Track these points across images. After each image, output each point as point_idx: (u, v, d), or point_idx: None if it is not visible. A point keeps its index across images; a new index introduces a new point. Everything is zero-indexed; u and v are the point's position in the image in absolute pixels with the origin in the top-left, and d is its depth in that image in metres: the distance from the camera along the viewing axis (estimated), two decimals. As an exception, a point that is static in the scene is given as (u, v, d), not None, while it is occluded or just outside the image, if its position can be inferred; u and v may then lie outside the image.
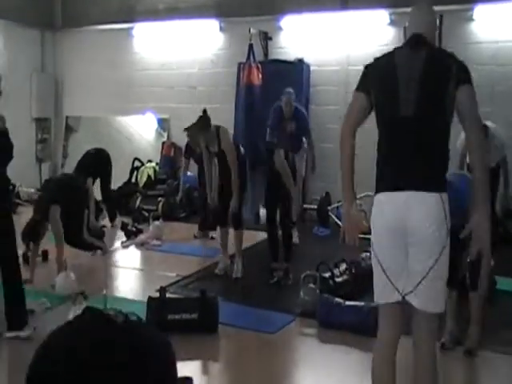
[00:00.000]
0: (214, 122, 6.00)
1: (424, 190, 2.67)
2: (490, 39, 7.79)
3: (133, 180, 9.67)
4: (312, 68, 8.77)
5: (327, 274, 5.24)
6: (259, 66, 8.68)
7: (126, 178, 9.60)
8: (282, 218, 5.94)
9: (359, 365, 3.96)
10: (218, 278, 6.00)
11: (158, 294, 4.72)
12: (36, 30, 10.70)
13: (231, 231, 6.22)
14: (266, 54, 9.07)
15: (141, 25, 10.07)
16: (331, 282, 5.20)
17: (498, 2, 7.71)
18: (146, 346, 1.06)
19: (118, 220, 8.07)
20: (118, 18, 10.10)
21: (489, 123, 5.91)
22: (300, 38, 8.89)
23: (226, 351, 4.53)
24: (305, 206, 8.35)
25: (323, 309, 4.70)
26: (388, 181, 2.78)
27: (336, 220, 7.66)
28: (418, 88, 2.69)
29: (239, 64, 8.83)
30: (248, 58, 8.67)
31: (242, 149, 6.21)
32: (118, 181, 9.07)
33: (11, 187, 8.02)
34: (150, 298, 4.61)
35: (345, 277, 5.34)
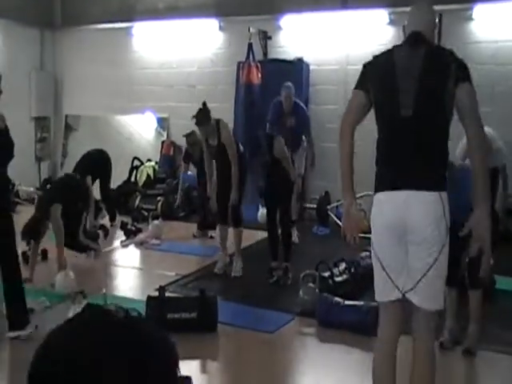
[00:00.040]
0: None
1: (423, 189, 2.68)
2: (489, 39, 7.78)
3: (132, 179, 9.65)
4: (311, 67, 8.76)
5: (326, 274, 5.24)
6: (259, 65, 8.68)
7: (125, 177, 9.59)
8: (282, 215, 5.93)
9: (358, 364, 3.97)
10: (218, 277, 6.01)
11: (157, 293, 4.72)
12: (35, 28, 10.68)
13: (230, 230, 6.22)
14: (265, 54, 9.06)
15: (140, 24, 10.05)
16: (330, 281, 5.20)
17: (498, 1, 7.70)
18: (146, 342, 1.06)
19: (118, 219, 8.07)
20: (117, 16, 10.08)
21: (486, 128, 5.87)
22: (299, 37, 8.88)
23: (225, 350, 4.53)
24: (304, 205, 8.36)
25: (322, 308, 4.70)
26: (387, 180, 2.78)
27: (335, 219, 7.66)
28: (417, 85, 2.69)
29: (239, 63, 8.83)
30: (247, 57, 8.66)
31: (241, 146, 6.21)
32: (117, 180, 9.05)
33: (11, 186, 8.01)
34: (150, 297, 4.61)
35: (344, 276, 5.34)
